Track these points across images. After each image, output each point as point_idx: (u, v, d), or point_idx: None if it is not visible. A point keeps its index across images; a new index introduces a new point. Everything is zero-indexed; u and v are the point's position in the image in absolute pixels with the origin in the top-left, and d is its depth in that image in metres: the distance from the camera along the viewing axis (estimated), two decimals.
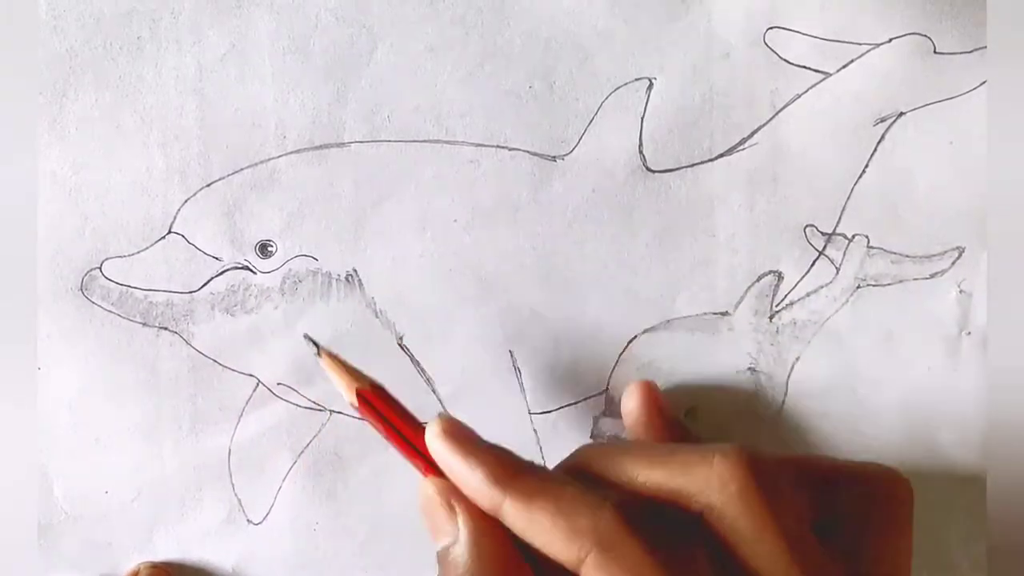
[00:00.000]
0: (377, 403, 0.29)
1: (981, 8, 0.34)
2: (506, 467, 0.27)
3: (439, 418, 0.29)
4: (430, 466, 0.29)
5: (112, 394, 0.33)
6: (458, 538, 0.27)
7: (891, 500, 0.30)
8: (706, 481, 0.27)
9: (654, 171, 0.34)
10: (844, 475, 0.30)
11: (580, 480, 0.28)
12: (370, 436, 0.34)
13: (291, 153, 0.33)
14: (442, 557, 0.28)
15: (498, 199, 0.34)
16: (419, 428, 0.29)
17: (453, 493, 0.28)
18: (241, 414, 0.33)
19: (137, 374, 0.33)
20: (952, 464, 0.36)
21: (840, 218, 0.35)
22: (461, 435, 0.28)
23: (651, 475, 0.28)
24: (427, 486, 0.28)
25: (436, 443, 0.28)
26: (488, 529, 0.27)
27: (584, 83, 0.34)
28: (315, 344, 0.31)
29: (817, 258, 0.35)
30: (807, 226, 0.35)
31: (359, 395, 0.30)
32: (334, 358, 0.30)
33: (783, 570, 0.26)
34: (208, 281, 0.33)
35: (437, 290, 0.34)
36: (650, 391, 0.33)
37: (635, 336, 0.35)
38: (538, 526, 0.26)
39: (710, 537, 0.27)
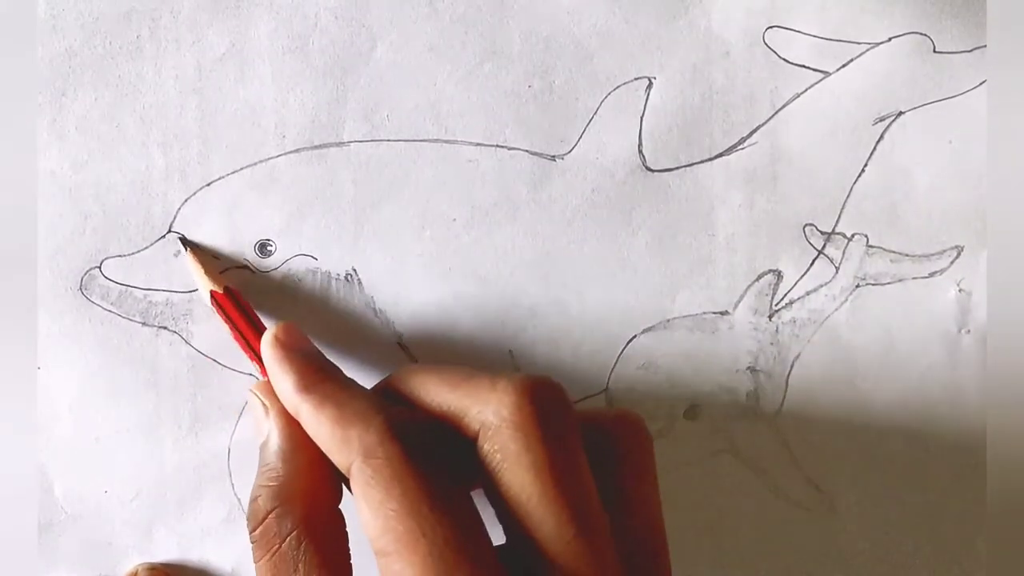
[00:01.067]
0: (228, 305, 0.32)
1: (981, 7, 0.34)
2: (309, 375, 0.29)
3: (276, 324, 0.31)
4: (265, 370, 0.31)
5: (112, 394, 0.33)
6: (268, 435, 0.30)
7: (629, 437, 0.30)
8: (486, 403, 0.27)
9: (653, 170, 0.34)
10: (587, 422, 0.30)
11: (386, 397, 0.29)
12: None
13: (290, 152, 0.33)
14: (259, 452, 0.30)
15: (497, 198, 0.34)
16: (262, 334, 0.31)
17: (269, 394, 0.30)
18: (241, 414, 0.33)
19: (137, 374, 0.33)
20: (952, 463, 0.36)
21: (839, 217, 0.35)
22: (288, 343, 0.30)
23: (444, 396, 0.28)
24: (251, 387, 0.31)
25: (264, 348, 0.30)
26: (292, 429, 0.29)
27: (584, 82, 0.34)
28: (182, 242, 0.32)
29: (816, 257, 0.35)
30: (806, 225, 0.35)
31: (213, 296, 0.32)
32: (198, 256, 0.32)
33: (540, 496, 0.26)
34: None
35: (436, 290, 0.34)
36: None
37: (635, 335, 0.35)
38: (321, 432, 0.28)
39: (480, 462, 0.27)
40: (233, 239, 0.33)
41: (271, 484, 0.29)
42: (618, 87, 0.34)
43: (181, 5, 0.32)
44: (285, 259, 0.33)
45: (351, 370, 0.34)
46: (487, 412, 0.27)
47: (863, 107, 0.35)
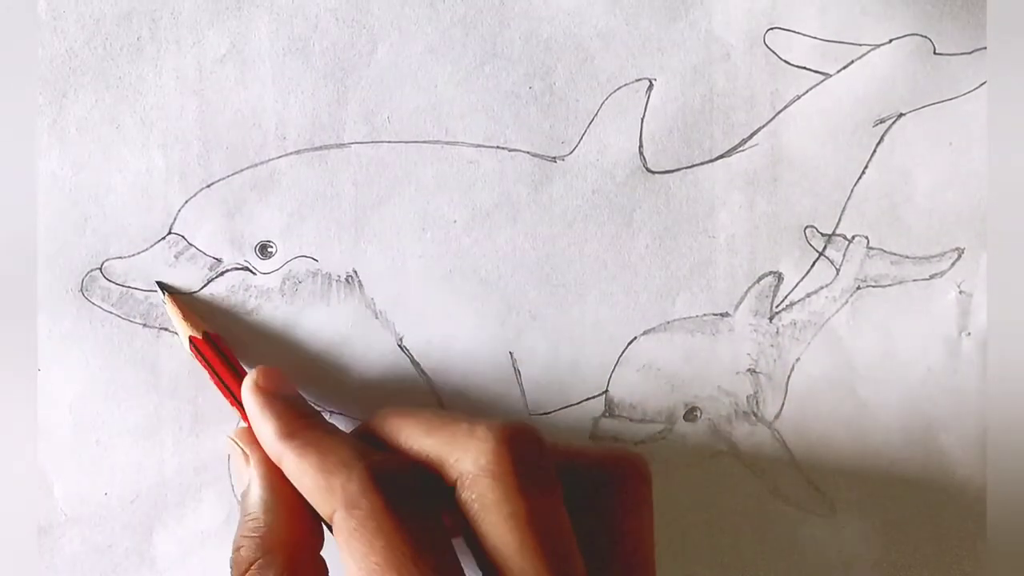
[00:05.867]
0: (207, 351, 0.32)
1: (981, 8, 0.34)
2: (291, 421, 0.29)
3: (256, 370, 0.31)
4: (247, 416, 0.31)
5: (112, 395, 0.33)
6: (249, 484, 0.30)
7: (626, 480, 0.30)
8: (464, 450, 0.27)
9: (654, 172, 0.34)
10: (585, 460, 0.30)
11: (367, 441, 0.29)
12: None
13: (291, 154, 0.33)
14: (240, 500, 0.30)
15: (498, 200, 0.34)
16: (243, 379, 0.31)
17: (250, 442, 0.30)
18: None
19: (137, 375, 0.33)
20: (952, 464, 0.37)
21: (840, 219, 0.35)
22: (269, 388, 0.30)
23: (424, 442, 0.28)
24: (230, 433, 0.31)
25: (245, 394, 0.30)
26: (274, 477, 0.29)
27: (584, 84, 0.34)
28: (162, 288, 0.32)
29: (817, 259, 0.35)
30: (807, 227, 0.35)
31: (192, 342, 0.32)
32: (177, 302, 0.32)
33: (519, 547, 0.26)
34: (208, 282, 0.33)
35: (437, 291, 0.34)
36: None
37: (635, 337, 0.35)
38: (304, 481, 0.28)
39: (460, 509, 0.27)
40: (233, 240, 0.33)
41: (254, 535, 0.29)
42: (619, 88, 0.34)
43: (181, 6, 0.32)
44: (285, 260, 0.33)
45: (351, 371, 0.34)
46: (466, 460, 0.27)
47: (863, 109, 0.35)
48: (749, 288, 0.35)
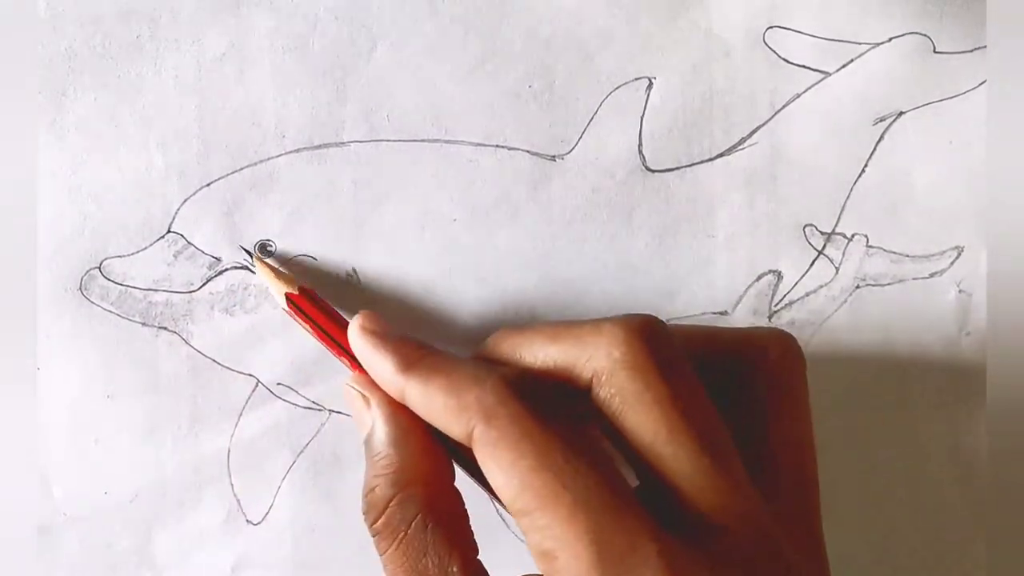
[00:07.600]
0: (305, 306, 0.32)
1: (981, 8, 0.34)
2: (409, 354, 0.28)
3: (360, 314, 0.30)
4: (355, 363, 0.30)
5: (111, 394, 0.33)
6: (374, 425, 0.29)
7: (775, 365, 0.29)
8: (595, 348, 0.26)
9: (654, 171, 0.34)
10: (721, 347, 0.29)
11: (484, 362, 0.28)
12: None
13: (290, 152, 0.33)
14: (365, 445, 0.29)
15: (497, 199, 0.34)
16: (345, 328, 0.31)
17: (368, 385, 0.29)
18: (240, 414, 0.33)
19: (136, 374, 0.33)
20: (951, 464, 0.36)
21: (839, 217, 0.35)
22: (377, 329, 0.30)
23: (548, 351, 0.27)
24: (347, 381, 0.30)
25: (353, 338, 0.30)
26: (398, 414, 0.28)
27: (584, 82, 0.34)
28: (248, 252, 0.33)
29: (816, 258, 0.35)
30: (806, 225, 0.35)
31: (288, 298, 0.32)
32: (266, 264, 0.32)
33: (669, 432, 0.25)
34: (207, 281, 0.33)
35: (437, 290, 0.34)
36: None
37: None
38: (434, 406, 0.27)
39: (599, 408, 0.26)
40: (233, 239, 0.33)
41: (387, 472, 0.28)
42: (618, 87, 0.34)
43: (181, 5, 0.32)
44: (285, 260, 0.33)
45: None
46: (598, 357, 0.26)
47: (863, 107, 0.35)
48: (748, 287, 0.35)
